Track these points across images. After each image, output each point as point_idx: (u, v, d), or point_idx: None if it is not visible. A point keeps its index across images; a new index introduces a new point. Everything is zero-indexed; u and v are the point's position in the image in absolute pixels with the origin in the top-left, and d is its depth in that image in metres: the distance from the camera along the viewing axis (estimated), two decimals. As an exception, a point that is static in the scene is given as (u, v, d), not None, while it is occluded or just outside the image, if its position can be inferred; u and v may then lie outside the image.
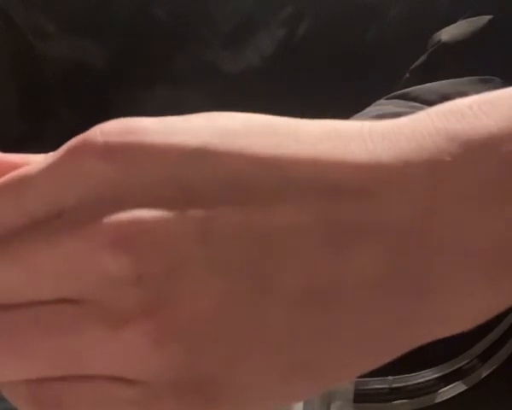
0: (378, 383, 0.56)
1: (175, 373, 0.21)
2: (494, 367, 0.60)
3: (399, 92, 0.58)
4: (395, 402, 0.57)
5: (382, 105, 0.58)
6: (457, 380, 0.59)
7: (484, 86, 0.56)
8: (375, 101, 0.64)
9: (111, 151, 0.22)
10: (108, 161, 0.21)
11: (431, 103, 0.54)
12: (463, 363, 0.59)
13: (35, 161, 0.24)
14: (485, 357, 0.60)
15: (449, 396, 0.58)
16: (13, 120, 0.85)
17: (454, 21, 0.62)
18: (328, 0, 0.89)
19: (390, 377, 0.57)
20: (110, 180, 0.21)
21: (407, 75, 0.61)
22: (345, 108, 0.90)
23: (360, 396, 0.56)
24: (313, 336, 0.22)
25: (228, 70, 0.87)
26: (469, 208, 0.22)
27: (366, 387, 0.56)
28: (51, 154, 0.23)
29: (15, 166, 0.24)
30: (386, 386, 0.57)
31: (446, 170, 0.22)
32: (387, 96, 0.59)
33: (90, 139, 0.22)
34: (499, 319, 0.60)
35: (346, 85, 0.89)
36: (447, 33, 0.60)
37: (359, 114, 0.58)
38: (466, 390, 0.59)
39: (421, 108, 0.54)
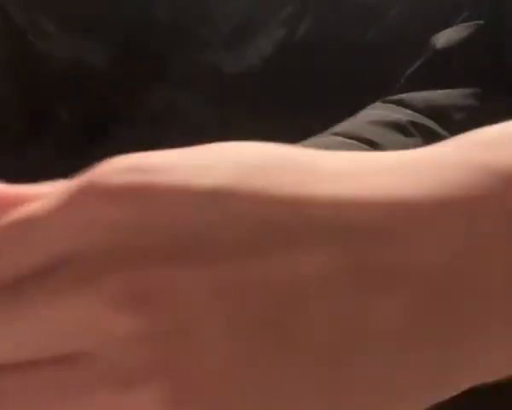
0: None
1: None
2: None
3: (394, 98, 0.58)
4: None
5: (377, 109, 0.58)
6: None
7: (475, 101, 0.56)
8: (374, 100, 0.64)
9: (121, 195, 0.20)
10: (118, 207, 0.20)
11: (425, 113, 0.54)
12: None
13: (44, 194, 0.22)
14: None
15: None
16: (13, 120, 0.85)
17: (454, 21, 0.62)
18: (328, 0, 0.89)
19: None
20: (120, 228, 0.20)
21: (402, 81, 0.61)
22: (345, 108, 0.90)
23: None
24: (335, 393, 0.20)
25: (228, 70, 0.87)
26: (503, 247, 0.20)
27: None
28: (60, 193, 0.21)
29: (23, 200, 0.22)
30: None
31: (479, 205, 0.20)
32: (382, 99, 0.59)
33: (99, 181, 0.20)
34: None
35: (345, 85, 0.89)
36: (442, 39, 0.60)
37: (352, 117, 0.57)
38: (466, 389, 0.59)
39: (415, 116, 0.54)
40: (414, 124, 0.54)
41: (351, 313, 0.20)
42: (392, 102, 0.57)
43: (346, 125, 0.55)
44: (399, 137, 0.52)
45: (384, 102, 0.58)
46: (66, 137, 0.86)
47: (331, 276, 0.19)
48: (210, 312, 0.19)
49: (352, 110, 0.68)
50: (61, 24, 0.84)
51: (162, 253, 0.20)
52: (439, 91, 0.56)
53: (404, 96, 0.57)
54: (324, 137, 0.54)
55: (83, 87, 0.86)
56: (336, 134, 0.54)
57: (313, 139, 0.54)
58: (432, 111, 0.55)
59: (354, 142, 0.52)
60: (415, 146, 0.54)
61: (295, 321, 0.19)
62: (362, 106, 0.68)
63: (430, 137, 0.52)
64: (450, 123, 0.54)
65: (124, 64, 0.86)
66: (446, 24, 0.63)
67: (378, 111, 0.56)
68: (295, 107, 0.89)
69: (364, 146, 0.50)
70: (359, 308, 0.20)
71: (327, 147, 0.51)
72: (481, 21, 0.59)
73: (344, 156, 0.22)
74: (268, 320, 0.19)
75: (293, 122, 0.95)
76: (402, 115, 0.54)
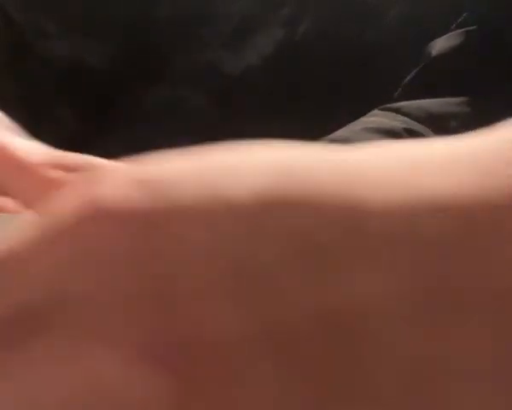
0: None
1: None
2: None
3: (392, 105, 0.59)
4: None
5: (374, 116, 0.59)
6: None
7: (470, 108, 0.57)
8: (374, 100, 0.64)
9: (134, 219, 0.16)
10: (132, 233, 0.16)
11: (421, 120, 0.55)
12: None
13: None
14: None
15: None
16: (13, 119, 0.85)
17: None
18: (328, 0, 0.89)
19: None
20: (135, 260, 0.16)
21: (400, 90, 0.62)
22: (345, 108, 0.90)
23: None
24: None
25: (228, 70, 0.87)
26: None
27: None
28: (46, 214, 0.16)
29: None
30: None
31: None
32: (381, 107, 0.60)
33: (104, 199, 0.16)
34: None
35: (345, 85, 0.89)
36: (437, 47, 0.61)
37: (350, 124, 0.58)
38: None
39: (411, 123, 0.55)
40: (409, 131, 0.54)
41: (426, 352, 0.16)
42: (391, 109, 0.58)
43: (343, 132, 0.56)
44: None
45: (382, 110, 0.58)
46: (67, 137, 0.86)
47: (398, 304, 0.16)
48: (261, 362, 0.15)
49: (351, 110, 0.68)
50: (61, 24, 0.84)
51: (194, 289, 0.16)
52: (436, 100, 0.57)
53: (402, 104, 0.58)
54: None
55: (83, 87, 0.86)
56: (332, 140, 0.55)
57: None
58: (428, 118, 0.55)
59: None
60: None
61: (355, 363, 0.16)
62: (361, 105, 0.68)
63: None
64: (446, 130, 0.55)
65: (124, 64, 0.86)
66: (446, 24, 0.63)
67: (375, 118, 0.57)
68: (295, 106, 0.89)
69: None
70: (436, 345, 0.16)
71: None
72: (474, 27, 0.60)
73: (390, 153, 0.17)
74: (325, 363, 0.16)
75: (294, 122, 0.95)
76: (398, 123, 0.55)
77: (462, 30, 0.60)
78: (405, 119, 0.56)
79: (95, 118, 0.87)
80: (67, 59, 0.84)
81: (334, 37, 0.89)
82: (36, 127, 0.86)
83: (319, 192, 0.16)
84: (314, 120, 0.92)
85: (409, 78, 0.62)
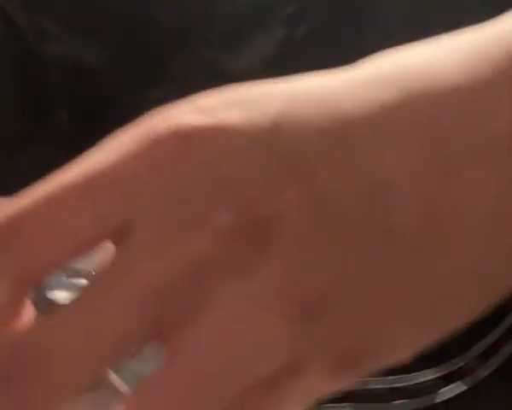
0: (378, 384, 0.56)
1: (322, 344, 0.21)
2: (494, 367, 0.60)
3: None
4: (395, 402, 0.57)
5: None
6: (457, 380, 0.59)
7: None
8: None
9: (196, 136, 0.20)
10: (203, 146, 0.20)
11: None
12: (463, 363, 0.59)
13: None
14: (485, 357, 0.60)
15: (449, 396, 0.58)
16: (13, 119, 0.85)
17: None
18: (328, 0, 0.89)
19: (390, 377, 0.58)
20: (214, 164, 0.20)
21: None
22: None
23: (360, 396, 0.56)
24: (430, 282, 0.20)
25: (228, 70, 0.87)
26: None
27: (366, 387, 0.56)
28: (115, 146, 0.22)
29: None
30: (387, 386, 0.57)
31: None
32: None
33: (175, 122, 0.21)
34: (499, 319, 0.60)
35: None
36: None
37: None
38: (466, 390, 0.59)
39: None
40: None
41: (437, 198, 0.19)
42: None
43: None
44: None
45: None
46: (66, 137, 0.86)
47: (417, 165, 0.20)
48: (314, 229, 0.20)
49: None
50: (61, 24, 0.84)
51: (259, 182, 0.21)
52: None
53: None
54: None
55: (83, 87, 0.86)
56: None
57: None
58: None
59: None
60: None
61: (387, 211, 0.20)
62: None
63: None
64: None
65: (124, 64, 0.86)
66: (446, 25, 0.63)
67: None
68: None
69: None
70: (445, 192, 0.19)
71: None
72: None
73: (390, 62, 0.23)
74: (358, 216, 0.20)
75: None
76: None
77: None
78: None
79: (95, 118, 0.87)
80: (67, 59, 0.84)
81: (334, 37, 0.89)
82: (36, 127, 0.86)
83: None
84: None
85: None
